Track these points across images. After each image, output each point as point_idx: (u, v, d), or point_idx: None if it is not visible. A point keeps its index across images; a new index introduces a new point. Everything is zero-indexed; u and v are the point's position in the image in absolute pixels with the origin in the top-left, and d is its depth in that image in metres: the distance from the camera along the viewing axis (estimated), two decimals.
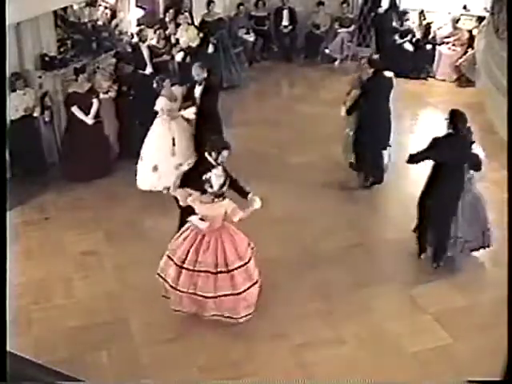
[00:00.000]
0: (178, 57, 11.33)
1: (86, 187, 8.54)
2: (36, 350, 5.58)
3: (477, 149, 6.64)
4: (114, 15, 10.91)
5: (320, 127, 10.16)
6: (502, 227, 6.88)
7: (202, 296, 5.79)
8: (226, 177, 5.69)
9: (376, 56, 8.75)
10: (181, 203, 6.00)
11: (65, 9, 9.76)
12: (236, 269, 5.77)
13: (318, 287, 6.65)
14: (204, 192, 5.66)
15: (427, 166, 7.98)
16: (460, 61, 12.31)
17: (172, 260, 5.89)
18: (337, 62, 13.44)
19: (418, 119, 11.27)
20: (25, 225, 7.73)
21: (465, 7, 12.44)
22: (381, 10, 13.15)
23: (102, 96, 8.97)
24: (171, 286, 5.88)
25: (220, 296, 5.78)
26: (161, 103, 8.00)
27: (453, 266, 6.99)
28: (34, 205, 8.18)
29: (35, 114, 8.59)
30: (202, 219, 5.75)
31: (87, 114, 8.54)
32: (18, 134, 8.39)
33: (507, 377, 3.18)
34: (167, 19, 11.72)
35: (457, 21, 12.45)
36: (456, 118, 6.57)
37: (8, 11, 5.36)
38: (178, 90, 8.28)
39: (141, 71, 9.98)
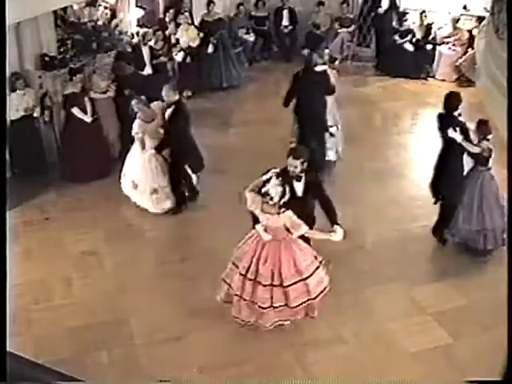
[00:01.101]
0: (178, 57, 11.33)
1: (86, 187, 8.53)
2: (36, 350, 5.58)
3: (454, 133, 6.69)
4: (114, 15, 10.91)
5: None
6: None
7: (259, 306, 5.73)
8: (283, 186, 5.43)
9: (315, 54, 8.83)
10: (247, 206, 5.77)
11: (65, 9, 9.75)
12: (290, 285, 5.64)
13: None
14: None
15: (427, 166, 8.00)
16: (460, 61, 12.31)
17: (237, 268, 5.81)
18: (337, 62, 13.42)
19: (418, 119, 11.27)
20: (25, 225, 7.73)
21: (465, 7, 12.44)
22: (381, 10, 13.15)
23: (100, 96, 8.97)
24: (236, 294, 5.82)
25: (275, 307, 5.72)
26: (135, 127, 7.85)
27: (453, 265, 7.00)
28: (34, 205, 8.18)
29: (35, 114, 8.59)
30: (265, 229, 5.60)
31: (84, 113, 8.55)
32: (18, 133, 8.39)
33: (507, 377, 3.18)
34: (167, 19, 11.73)
35: (457, 21, 12.45)
36: (446, 99, 6.97)
37: (8, 11, 5.37)
38: (157, 106, 8.04)
39: (140, 72, 9.99)
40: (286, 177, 5.63)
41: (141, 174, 7.97)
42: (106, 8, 10.76)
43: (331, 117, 8.75)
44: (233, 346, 5.85)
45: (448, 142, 6.85)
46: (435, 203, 7.23)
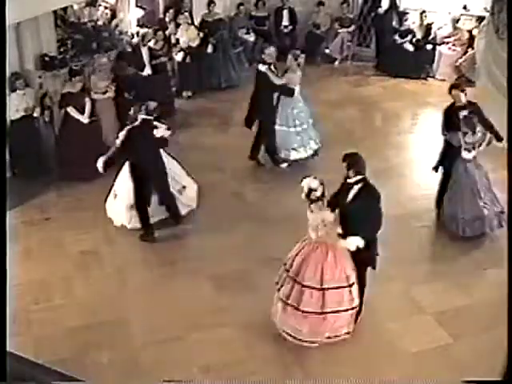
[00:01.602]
0: (178, 57, 11.33)
1: (86, 187, 8.53)
2: (36, 350, 5.59)
3: None
4: (114, 15, 10.92)
5: (320, 127, 10.13)
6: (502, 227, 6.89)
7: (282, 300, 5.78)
8: (317, 184, 5.57)
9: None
10: None
11: (65, 9, 9.76)
12: (307, 287, 5.64)
13: None
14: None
15: (427, 166, 8.01)
16: (460, 61, 12.30)
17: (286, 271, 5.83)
18: (337, 62, 13.43)
19: (418, 119, 11.26)
20: (25, 225, 7.73)
21: (465, 7, 12.42)
22: (381, 10, 13.12)
23: (99, 96, 8.97)
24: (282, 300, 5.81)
25: (287, 304, 5.74)
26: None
27: (453, 265, 7.00)
28: (34, 205, 8.18)
29: (35, 114, 8.59)
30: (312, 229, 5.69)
31: (81, 113, 8.55)
32: (18, 134, 8.40)
33: (507, 377, 3.18)
34: (167, 19, 11.72)
35: (457, 21, 12.44)
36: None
37: (8, 11, 5.38)
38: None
39: (140, 73, 9.98)
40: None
41: (122, 184, 7.59)
42: (106, 8, 10.77)
43: (298, 113, 8.85)
44: (233, 346, 5.85)
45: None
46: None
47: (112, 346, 5.85)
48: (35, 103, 8.58)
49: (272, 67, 8.68)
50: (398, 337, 5.98)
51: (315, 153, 9.10)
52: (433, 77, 12.67)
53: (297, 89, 8.80)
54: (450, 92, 7.58)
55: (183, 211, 7.80)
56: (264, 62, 8.68)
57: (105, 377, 5.52)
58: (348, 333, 5.86)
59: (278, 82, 8.70)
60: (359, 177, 5.69)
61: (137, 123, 7.21)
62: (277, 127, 8.87)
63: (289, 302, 5.73)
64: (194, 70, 11.59)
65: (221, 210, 7.98)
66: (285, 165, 9.00)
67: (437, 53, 12.61)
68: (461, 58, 12.31)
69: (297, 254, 5.77)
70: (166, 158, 7.55)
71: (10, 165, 8.49)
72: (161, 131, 7.33)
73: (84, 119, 8.56)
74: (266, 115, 8.85)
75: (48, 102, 8.81)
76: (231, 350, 5.80)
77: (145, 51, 10.22)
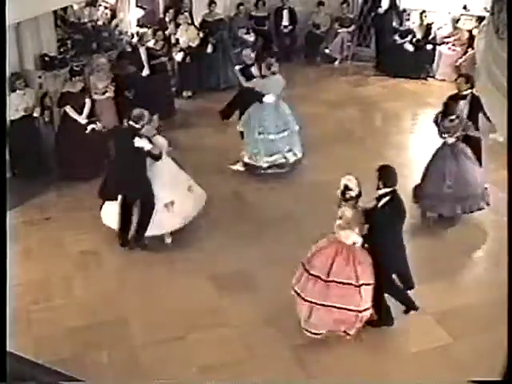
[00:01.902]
0: (178, 57, 11.33)
1: (86, 187, 8.51)
2: (36, 350, 5.59)
3: None
4: (114, 15, 10.91)
5: (320, 127, 10.15)
6: (502, 227, 6.88)
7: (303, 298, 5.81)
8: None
9: None
10: None
11: (65, 9, 9.76)
12: (332, 282, 5.69)
13: None
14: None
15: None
16: (460, 61, 12.31)
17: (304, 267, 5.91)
18: (337, 62, 13.43)
19: (418, 119, 11.26)
20: (25, 225, 7.73)
21: (465, 7, 12.43)
22: (381, 10, 13.13)
23: (99, 97, 8.96)
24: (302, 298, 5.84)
25: (308, 301, 5.77)
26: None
27: (453, 265, 7.00)
28: (34, 205, 8.18)
29: (35, 114, 8.59)
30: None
31: (81, 113, 8.54)
32: (18, 134, 8.39)
33: (507, 377, 3.18)
34: (167, 19, 11.72)
35: (457, 21, 12.45)
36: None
37: (8, 11, 5.38)
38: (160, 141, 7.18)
39: (139, 73, 9.98)
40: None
41: (174, 189, 7.20)
42: (106, 8, 10.77)
43: (281, 120, 8.78)
44: (232, 346, 5.85)
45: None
46: None
47: (112, 345, 5.85)
48: (35, 103, 8.58)
49: (253, 68, 8.78)
50: (397, 337, 5.98)
51: (292, 163, 8.92)
52: (433, 77, 12.68)
53: (270, 96, 8.69)
54: (456, 79, 8.35)
55: (162, 229, 7.19)
56: (241, 63, 8.81)
57: (105, 377, 5.52)
58: (348, 334, 5.85)
59: (245, 84, 8.82)
60: (387, 190, 5.77)
61: (123, 127, 7.04)
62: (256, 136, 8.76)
63: (295, 288, 5.86)
64: (193, 70, 11.59)
65: (221, 210, 7.97)
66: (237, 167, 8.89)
67: (437, 53, 12.62)
68: (461, 57, 12.31)
69: (316, 246, 5.92)
70: (161, 166, 7.01)
71: (10, 165, 8.49)
72: (141, 142, 6.75)
73: (82, 119, 8.55)
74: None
75: (48, 101, 8.81)
76: (231, 350, 5.80)
77: (143, 51, 10.21)
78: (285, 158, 8.86)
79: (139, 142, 6.77)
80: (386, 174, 5.81)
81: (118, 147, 7.25)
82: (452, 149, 7.54)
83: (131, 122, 6.88)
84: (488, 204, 7.59)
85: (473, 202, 7.54)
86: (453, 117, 7.45)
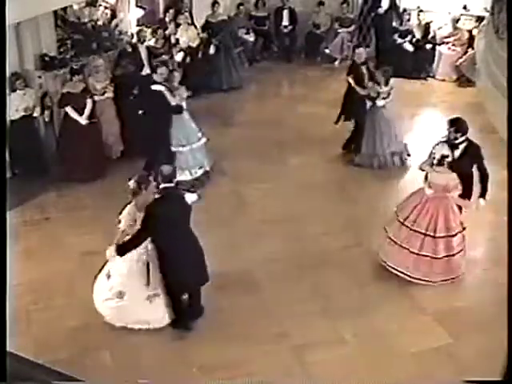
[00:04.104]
0: (178, 57, 11.32)
1: (86, 187, 8.53)
2: (36, 350, 5.58)
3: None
4: (114, 15, 10.89)
5: (320, 127, 10.15)
6: (502, 227, 6.88)
7: (408, 250, 6.58)
8: (448, 151, 6.46)
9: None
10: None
11: (65, 9, 9.74)
12: (441, 237, 6.50)
13: (318, 287, 6.65)
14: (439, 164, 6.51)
15: None
16: (460, 61, 12.31)
17: (398, 216, 6.73)
18: (337, 62, 13.43)
19: (418, 119, 11.26)
20: (25, 225, 7.73)
21: (465, 7, 12.44)
22: (381, 10, 13.14)
23: (99, 97, 8.95)
24: (390, 238, 6.73)
25: (421, 255, 6.54)
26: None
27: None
28: (34, 205, 8.17)
29: (35, 114, 8.59)
30: (430, 186, 6.57)
31: (81, 114, 8.54)
32: (18, 134, 8.39)
33: (507, 377, 3.18)
34: (167, 19, 11.71)
35: (457, 21, 12.45)
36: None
37: (8, 11, 5.37)
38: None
39: (140, 72, 9.96)
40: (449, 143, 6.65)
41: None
42: (106, 8, 10.74)
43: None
44: (232, 346, 5.85)
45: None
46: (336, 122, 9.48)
47: (112, 345, 5.85)
48: (35, 103, 8.58)
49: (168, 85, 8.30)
50: (397, 337, 5.98)
51: (202, 176, 8.62)
52: (433, 77, 12.69)
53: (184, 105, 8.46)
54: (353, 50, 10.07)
55: None
56: (156, 83, 8.23)
57: (105, 377, 5.52)
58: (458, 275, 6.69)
59: (174, 101, 8.25)
60: (463, 138, 6.63)
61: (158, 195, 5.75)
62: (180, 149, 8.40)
63: (405, 246, 6.58)
64: (193, 70, 11.58)
65: (221, 210, 7.97)
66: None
67: (437, 53, 12.63)
68: (461, 57, 12.32)
69: (415, 207, 6.62)
70: None
71: (10, 165, 8.49)
72: (189, 197, 6.16)
73: (82, 120, 8.54)
74: (163, 137, 8.26)
75: (48, 101, 8.81)
76: (231, 350, 5.80)
77: (143, 50, 10.21)
78: (191, 174, 8.48)
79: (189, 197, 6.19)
80: (460, 124, 6.64)
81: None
82: (381, 111, 8.91)
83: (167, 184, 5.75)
84: (409, 155, 9.21)
85: (399, 156, 9.12)
86: (370, 84, 8.89)
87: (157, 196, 5.69)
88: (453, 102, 11.35)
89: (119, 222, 5.92)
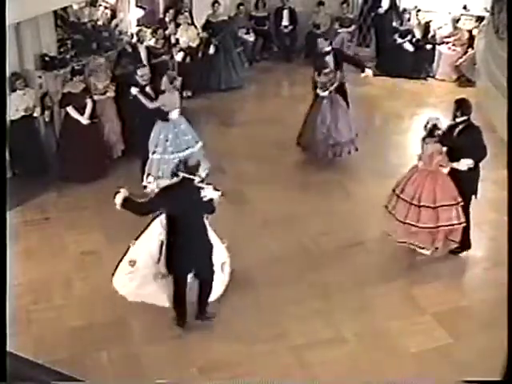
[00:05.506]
0: (178, 57, 11.32)
1: (86, 187, 8.53)
2: (36, 350, 5.58)
3: None
4: (114, 15, 10.90)
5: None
6: (502, 227, 6.89)
7: (409, 224, 6.73)
8: (441, 124, 6.73)
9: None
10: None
11: (65, 9, 9.75)
12: (425, 207, 6.66)
13: (318, 287, 6.65)
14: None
15: None
16: (460, 61, 12.30)
17: (393, 191, 6.95)
18: None
19: (418, 119, 11.26)
20: (25, 225, 7.73)
21: (465, 7, 12.43)
22: (381, 10, 13.14)
23: (99, 97, 8.96)
24: (389, 211, 6.95)
25: (406, 223, 6.74)
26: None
27: (453, 265, 6.99)
28: (34, 205, 8.17)
29: (35, 114, 8.59)
30: (420, 158, 6.83)
31: (82, 114, 8.54)
32: (18, 133, 8.39)
33: (507, 377, 3.18)
34: (167, 19, 11.71)
35: (457, 21, 12.44)
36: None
37: (8, 11, 5.37)
38: None
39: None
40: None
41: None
42: (106, 8, 10.75)
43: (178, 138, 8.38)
44: (232, 346, 5.85)
45: None
46: None
47: (112, 345, 5.85)
48: (35, 103, 8.58)
49: (147, 89, 8.26)
50: (397, 337, 5.98)
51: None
52: (433, 77, 12.68)
53: (176, 112, 8.38)
54: None
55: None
56: (137, 85, 8.20)
57: (105, 377, 5.52)
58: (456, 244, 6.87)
59: (151, 105, 8.18)
60: (464, 117, 6.69)
61: (176, 180, 5.80)
62: (155, 156, 8.26)
63: (407, 221, 6.71)
64: (194, 69, 11.59)
65: (220, 210, 7.96)
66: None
67: (437, 53, 12.62)
68: (461, 57, 12.31)
69: (409, 181, 6.82)
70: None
71: (10, 165, 8.49)
72: (209, 193, 5.83)
73: (83, 120, 8.55)
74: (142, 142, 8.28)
75: (48, 101, 8.81)
76: (231, 350, 5.80)
77: (143, 50, 10.21)
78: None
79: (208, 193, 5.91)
80: (464, 104, 6.77)
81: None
82: (327, 100, 8.88)
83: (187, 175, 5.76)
84: (356, 149, 9.02)
85: (344, 147, 8.97)
86: (327, 70, 8.87)
87: (174, 180, 5.84)
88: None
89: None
